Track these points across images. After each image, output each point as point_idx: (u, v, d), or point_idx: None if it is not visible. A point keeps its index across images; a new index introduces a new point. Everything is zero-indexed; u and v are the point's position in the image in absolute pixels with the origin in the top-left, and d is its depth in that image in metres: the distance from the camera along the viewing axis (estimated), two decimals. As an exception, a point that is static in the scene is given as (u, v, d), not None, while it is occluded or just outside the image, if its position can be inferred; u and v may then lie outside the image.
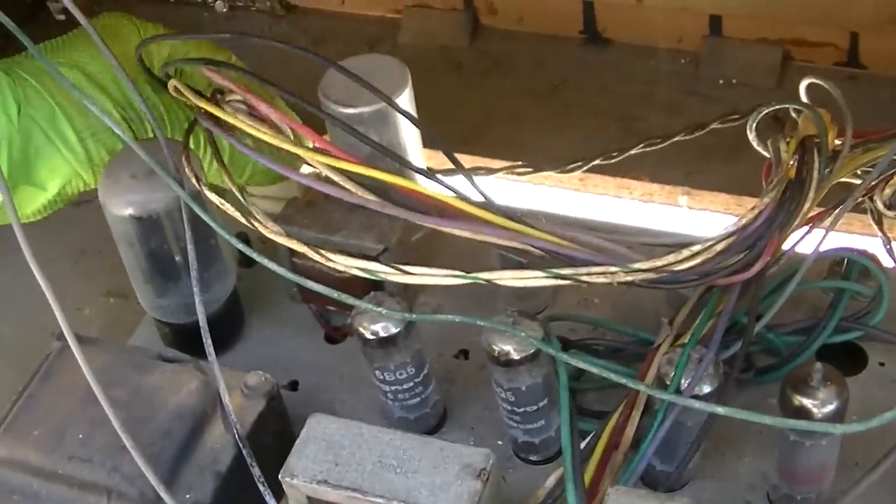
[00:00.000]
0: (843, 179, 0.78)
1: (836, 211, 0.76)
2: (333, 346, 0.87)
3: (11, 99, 0.80)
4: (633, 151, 0.90)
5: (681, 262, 0.71)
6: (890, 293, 0.80)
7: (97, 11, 0.92)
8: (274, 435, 0.75)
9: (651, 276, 0.72)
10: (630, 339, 0.81)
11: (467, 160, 0.93)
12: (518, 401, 0.74)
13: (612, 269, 0.71)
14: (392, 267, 0.73)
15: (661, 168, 1.03)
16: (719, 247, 0.72)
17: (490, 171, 0.93)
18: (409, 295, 0.86)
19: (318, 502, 0.67)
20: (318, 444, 0.67)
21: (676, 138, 0.88)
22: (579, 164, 0.91)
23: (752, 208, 0.72)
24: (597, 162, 0.91)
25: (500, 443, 0.79)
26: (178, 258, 0.82)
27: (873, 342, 0.81)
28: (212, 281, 0.84)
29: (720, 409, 0.64)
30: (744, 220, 0.72)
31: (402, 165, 0.77)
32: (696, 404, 0.65)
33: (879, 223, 0.81)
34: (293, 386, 0.85)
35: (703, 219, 1.02)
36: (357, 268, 0.74)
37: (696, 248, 0.71)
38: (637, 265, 0.71)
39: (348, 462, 0.66)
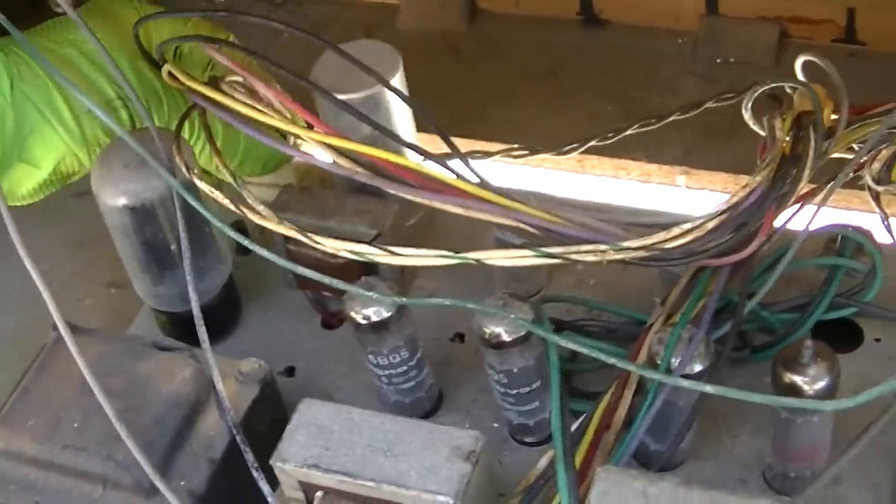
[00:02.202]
0: (836, 155, 0.78)
1: (829, 186, 0.76)
2: (330, 332, 0.87)
3: (5, 75, 0.80)
4: (629, 132, 0.89)
5: (671, 239, 0.71)
6: (886, 269, 0.80)
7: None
8: (268, 421, 0.75)
9: (642, 254, 0.72)
10: (624, 319, 0.81)
11: (464, 143, 0.93)
12: (511, 383, 0.74)
13: (603, 247, 0.71)
14: (381, 249, 0.73)
15: (659, 148, 1.02)
16: (710, 225, 0.71)
17: (487, 154, 0.93)
18: (404, 280, 0.86)
19: (309, 486, 0.67)
20: (310, 429, 0.68)
21: (672, 118, 0.88)
22: (575, 145, 0.91)
23: (745, 186, 0.72)
24: (593, 143, 0.90)
25: (495, 425, 0.79)
26: (172, 247, 0.82)
27: (869, 318, 0.81)
28: (207, 269, 0.84)
29: (709, 388, 0.64)
30: (735, 198, 0.72)
31: (396, 143, 0.76)
32: (685, 383, 0.65)
33: (877, 199, 0.81)
34: (290, 372, 0.85)
35: (701, 198, 1.01)
36: (347, 250, 0.74)
37: (687, 226, 0.71)
38: (627, 243, 0.71)
39: (339, 446, 0.67)
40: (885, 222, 0.82)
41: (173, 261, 0.83)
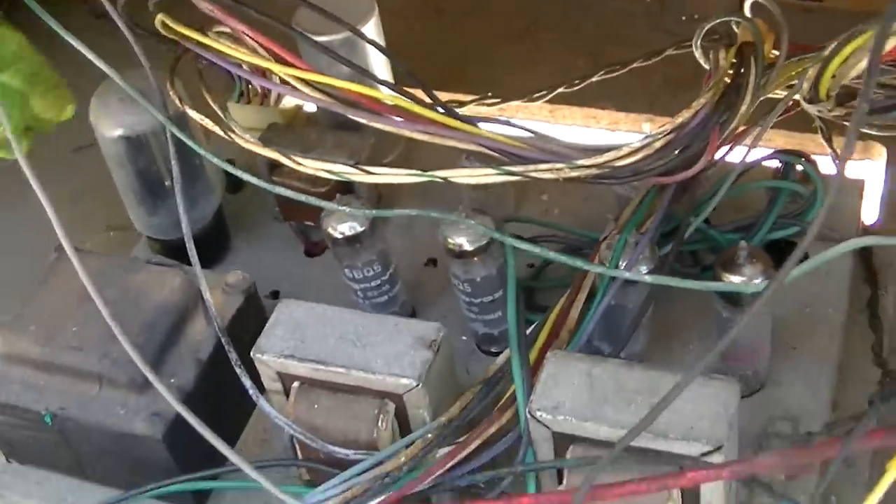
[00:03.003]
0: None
1: (769, 115, 0.82)
2: (312, 260, 0.94)
3: None
4: (594, 79, 0.96)
5: (621, 158, 0.77)
6: (826, 195, 0.86)
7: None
8: (252, 331, 0.80)
9: (594, 171, 0.78)
10: (579, 237, 0.87)
11: (442, 96, 0.99)
12: (474, 292, 0.81)
13: (559, 165, 0.77)
14: (356, 167, 0.80)
15: (627, 99, 1.09)
16: (658, 144, 0.77)
17: (461, 104, 1.00)
18: (381, 207, 0.92)
19: (286, 377, 0.73)
20: (287, 325, 0.74)
21: (635, 64, 0.95)
22: (544, 92, 0.97)
23: (690, 107, 0.78)
24: (561, 90, 0.97)
25: (464, 338, 0.86)
26: (165, 179, 0.89)
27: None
28: (198, 197, 0.90)
29: (647, 278, 0.70)
30: (680, 119, 0.78)
31: (370, 80, 0.83)
32: (626, 275, 0.71)
33: (829, 140, 0.87)
34: (275, 295, 0.91)
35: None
36: (325, 170, 0.80)
37: (636, 145, 0.77)
38: (581, 161, 0.77)
39: (313, 339, 0.73)
40: (831, 152, 0.88)
41: (166, 191, 0.89)
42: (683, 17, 1.16)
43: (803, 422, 0.78)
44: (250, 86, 0.95)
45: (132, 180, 0.89)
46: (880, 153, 0.99)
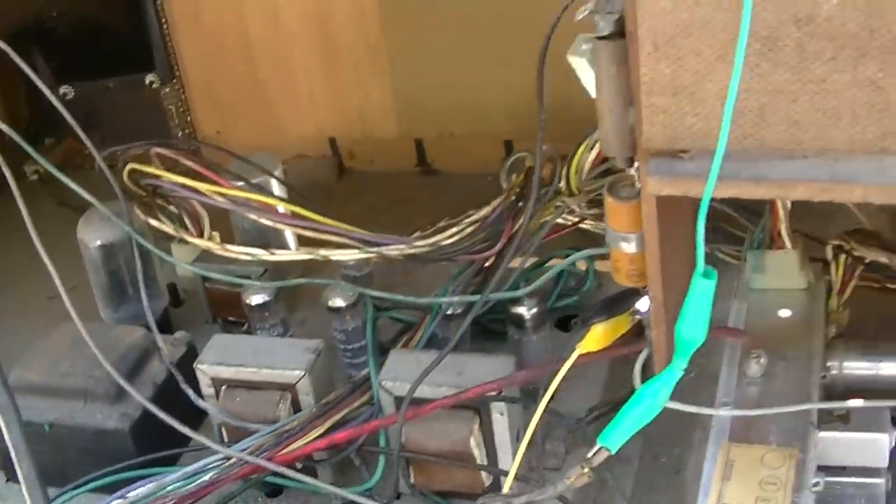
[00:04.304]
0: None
1: (544, 224, 1.20)
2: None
3: None
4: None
5: (445, 239, 1.15)
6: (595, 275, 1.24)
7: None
8: (191, 370, 1.15)
9: (427, 249, 1.15)
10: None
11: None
12: (348, 339, 1.16)
13: (401, 246, 1.15)
14: (265, 251, 1.16)
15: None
16: (469, 230, 1.15)
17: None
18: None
19: (217, 381, 1.08)
20: (218, 347, 1.09)
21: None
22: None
23: (491, 205, 1.16)
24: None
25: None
26: (128, 286, 1.25)
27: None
28: (151, 297, 1.26)
29: (445, 298, 1.07)
30: (483, 213, 1.16)
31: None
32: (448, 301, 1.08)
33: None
34: (207, 365, 1.26)
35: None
36: (243, 253, 1.17)
37: (454, 230, 1.15)
38: (418, 242, 1.15)
39: (236, 353, 1.08)
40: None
41: (129, 295, 1.25)
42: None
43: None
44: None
45: (104, 281, 1.24)
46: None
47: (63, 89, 1.70)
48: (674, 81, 0.71)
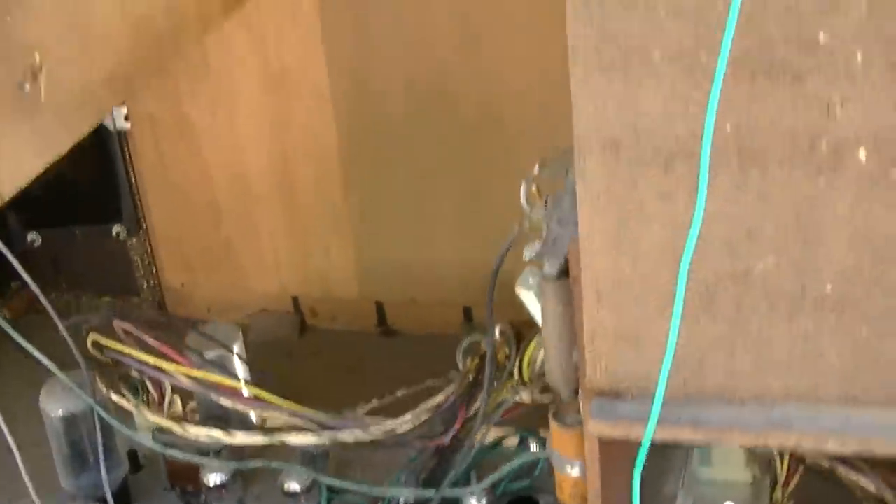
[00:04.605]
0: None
1: (499, 407, 1.23)
2: (192, 512, 1.31)
3: None
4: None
5: (401, 425, 1.18)
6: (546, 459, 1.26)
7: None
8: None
9: (385, 435, 1.18)
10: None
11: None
12: (304, 521, 1.18)
13: (358, 432, 1.17)
14: (224, 431, 1.19)
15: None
16: (424, 417, 1.18)
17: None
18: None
19: None
20: None
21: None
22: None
23: (444, 393, 1.19)
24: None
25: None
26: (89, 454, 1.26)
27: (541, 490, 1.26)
28: (111, 467, 1.27)
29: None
30: (438, 400, 1.19)
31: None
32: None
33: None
34: (163, 537, 1.28)
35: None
36: (205, 434, 1.19)
37: (408, 417, 1.18)
38: (373, 428, 1.17)
39: None
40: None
41: (89, 463, 1.26)
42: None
43: None
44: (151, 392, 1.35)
45: (65, 451, 1.26)
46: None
47: (31, 236, 1.74)
48: (616, 329, 0.75)
